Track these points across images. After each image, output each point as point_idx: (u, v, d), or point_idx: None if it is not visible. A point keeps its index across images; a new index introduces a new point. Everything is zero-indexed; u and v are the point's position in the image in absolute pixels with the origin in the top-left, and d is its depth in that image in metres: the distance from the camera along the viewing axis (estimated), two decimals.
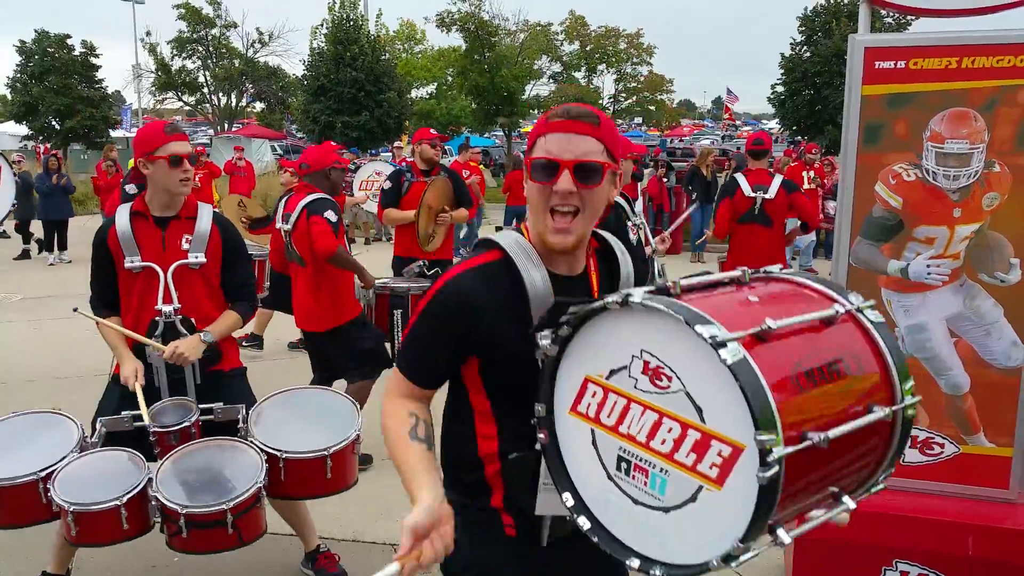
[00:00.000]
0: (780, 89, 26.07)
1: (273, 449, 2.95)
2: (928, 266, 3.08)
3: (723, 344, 1.28)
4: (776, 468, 1.26)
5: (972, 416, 3.08)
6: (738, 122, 66.49)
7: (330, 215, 4.41)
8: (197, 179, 6.69)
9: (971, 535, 2.96)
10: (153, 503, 2.79)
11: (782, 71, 25.92)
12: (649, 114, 46.33)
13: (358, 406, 3.23)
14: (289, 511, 3.39)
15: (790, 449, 1.28)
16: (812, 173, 12.03)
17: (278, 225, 4.83)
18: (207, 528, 2.73)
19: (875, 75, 3.00)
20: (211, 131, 42.98)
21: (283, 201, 4.89)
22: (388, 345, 4.76)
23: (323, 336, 4.59)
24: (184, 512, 2.70)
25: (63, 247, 12.84)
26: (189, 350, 3.06)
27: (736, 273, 1.55)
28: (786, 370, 1.36)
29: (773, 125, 49.19)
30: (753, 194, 5.92)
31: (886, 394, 1.48)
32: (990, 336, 3.04)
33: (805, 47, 25.68)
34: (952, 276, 3.06)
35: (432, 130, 6.17)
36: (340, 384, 4.50)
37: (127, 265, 3.08)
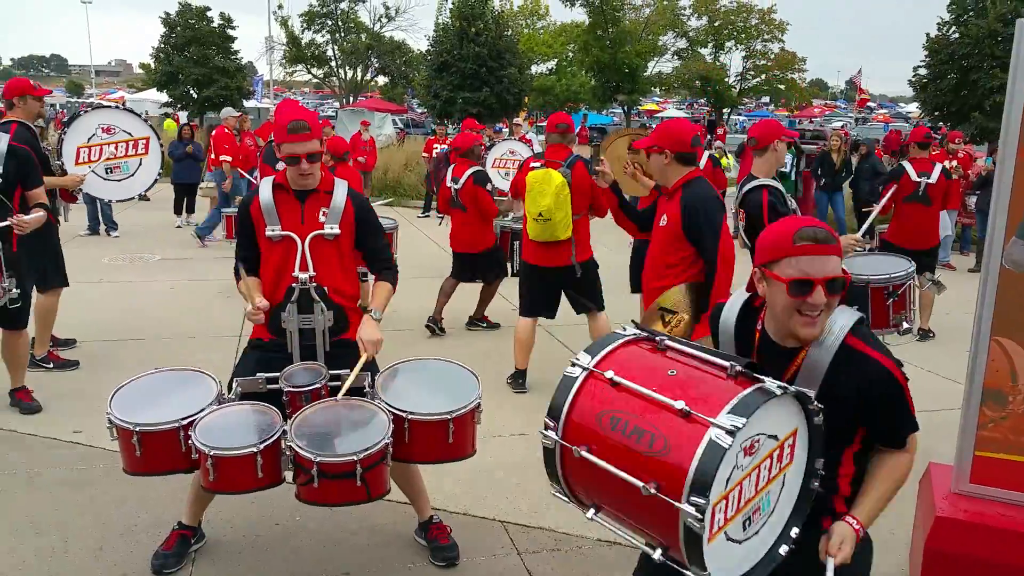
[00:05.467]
0: (923, 72, 24.51)
1: (399, 410, 3.02)
2: None
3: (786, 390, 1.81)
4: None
5: None
6: (872, 104, 63.22)
7: (489, 187, 7.24)
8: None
9: None
10: (287, 453, 2.88)
11: (926, 52, 24.35)
12: (778, 93, 44.66)
13: (478, 378, 3.28)
14: (406, 481, 3.47)
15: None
16: (954, 163, 11.30)
17: (448, 183, 7.22)
18: (337, 479, 2.79)
19: None
20: (337, 104, 44.37)
21: (450, 168, 7.31)
22: (508, 264, 7.44)
23: (477, 254, 7.20)
24: (317, 461, 2.75)
25: (191, 210, 13.34)
26: (375, 333, 3.22)
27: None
28: None
29: (912, 109, 46.52)
30: (918, 179, 7.02)
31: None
32: None
33: (953, 27, 24.01)
34: None
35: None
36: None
37: (268, 233, 3.24)
